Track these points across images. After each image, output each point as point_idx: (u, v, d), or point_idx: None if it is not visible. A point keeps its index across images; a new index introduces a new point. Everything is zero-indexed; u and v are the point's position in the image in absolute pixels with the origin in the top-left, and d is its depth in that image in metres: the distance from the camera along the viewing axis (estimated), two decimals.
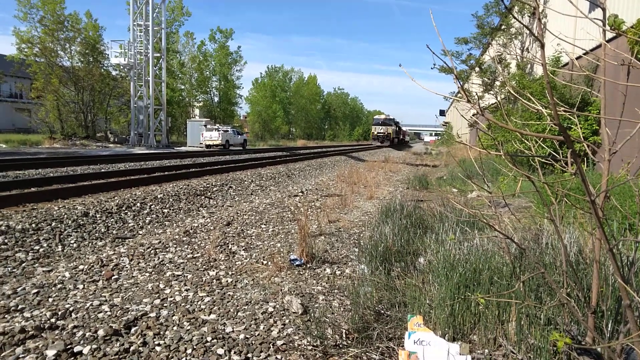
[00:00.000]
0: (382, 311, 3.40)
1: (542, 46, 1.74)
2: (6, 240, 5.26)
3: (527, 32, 18.78)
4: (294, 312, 3.49)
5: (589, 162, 8.55)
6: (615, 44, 7.93)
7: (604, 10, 1.81)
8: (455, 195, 9.53)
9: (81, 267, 4.47)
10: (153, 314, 3.40)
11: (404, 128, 75.53)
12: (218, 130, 31.52)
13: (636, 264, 2.48)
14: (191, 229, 6.27)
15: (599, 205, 2.03)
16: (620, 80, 2.20)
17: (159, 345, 2.92)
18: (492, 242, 3.94)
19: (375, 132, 53.36)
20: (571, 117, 2.20)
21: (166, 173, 11.94)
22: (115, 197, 7.87)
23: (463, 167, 12.18)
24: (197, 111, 52.75)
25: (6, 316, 3.28)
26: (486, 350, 2.74)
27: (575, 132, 5.08)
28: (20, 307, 3.46)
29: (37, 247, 5.29)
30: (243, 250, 5.37)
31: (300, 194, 10.36)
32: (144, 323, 3.23)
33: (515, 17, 1.75)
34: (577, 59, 9.45)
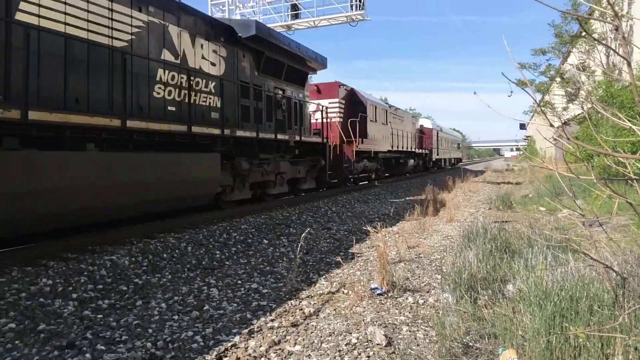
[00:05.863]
0: (471, 343, 3.26)
1: (629, 64, 1.64)
2: (110, 273, 5.78)
3: (611, 35, 17.47)
4: (377, 344, 3.46)
5: None
6: None
7: None
8: (543, 214, 8.94)
9: (175, 297, 4.78)
10: (242, 345, 3.55)
11: (441, 129, 39.42)
12: None
13: None
14: (273, 259, 6.47)
15: None
16: None
17: None
18: (590, 266, 3.64)
19: None
20: None
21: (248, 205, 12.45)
22: (204, 229, 8.35)
23: (549, 185, 11.44)
24: None
25: (112, 347, 3.59)
26: None
27: None
28: (124, 338, 3.76)
29: (136, 280, 5.74)
30: (323, 279, 5.43)
31: (377, 219, 10.31)
32: (234, 354, 3.37)
33: (597, 39, 1.68)
34: None
